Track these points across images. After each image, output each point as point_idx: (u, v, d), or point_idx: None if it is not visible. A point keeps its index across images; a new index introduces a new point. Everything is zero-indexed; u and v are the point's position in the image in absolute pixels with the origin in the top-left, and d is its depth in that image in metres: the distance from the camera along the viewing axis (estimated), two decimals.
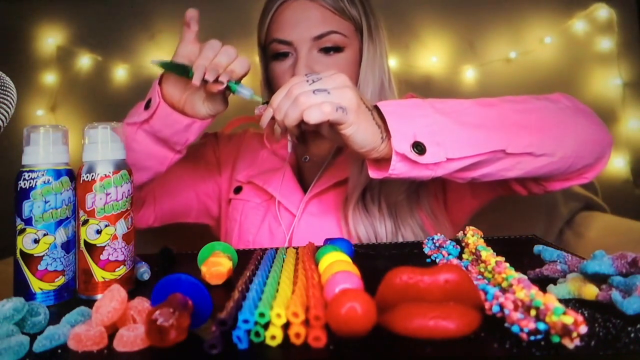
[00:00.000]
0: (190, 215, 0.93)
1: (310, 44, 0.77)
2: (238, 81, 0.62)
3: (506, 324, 0.34)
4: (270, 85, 0.85)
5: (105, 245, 0.49)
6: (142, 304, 0.40)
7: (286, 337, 0.34)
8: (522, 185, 0.73)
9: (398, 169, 0.57)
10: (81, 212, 0.49)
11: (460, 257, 0.55)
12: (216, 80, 0.59)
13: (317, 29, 0.77)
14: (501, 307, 0.35)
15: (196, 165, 0.90)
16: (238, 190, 0.88)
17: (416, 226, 0.77)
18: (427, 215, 0.79)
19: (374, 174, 0.60)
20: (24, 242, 0.47)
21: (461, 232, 0.62)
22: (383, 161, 0.60)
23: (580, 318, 0.31)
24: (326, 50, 0.77)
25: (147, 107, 0.68)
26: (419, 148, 0.56)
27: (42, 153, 0.48)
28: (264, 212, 0.83)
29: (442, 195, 0.83)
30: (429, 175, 0.59)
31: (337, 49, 0.78)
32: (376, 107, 0.59)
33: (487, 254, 0.47)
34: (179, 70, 0.63)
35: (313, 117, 0.53)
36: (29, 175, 0.48)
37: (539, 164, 0.62)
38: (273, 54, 0.80)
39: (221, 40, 0.62)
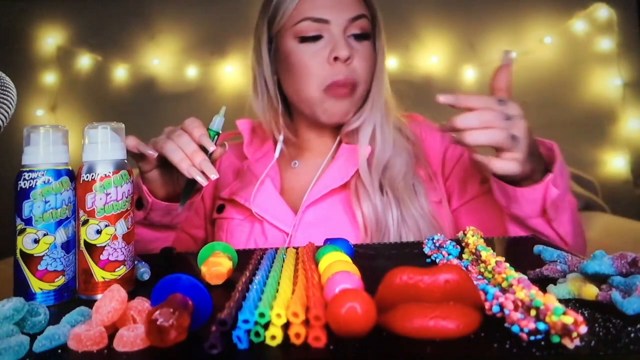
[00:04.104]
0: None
1: (345, 25, 0.76)
2: (211, 130, 0.65)
3: (506, 324, 0.34)
4: (281, 70, 0.81)
5: (105, 245, 0.49)
6: (142, 304, 0.40)
7: (286, 337, 0.34)
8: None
9: (527, 195, 0.62)
10: (81, 212, 0.49)
11: (460, 257, 0.55)
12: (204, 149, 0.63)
13: (352, 10, 0.76)
14: (501, 307, 0.35)
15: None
16: (221, 209, 0.85)
17: (419, 218, 0.76)
18: (428, 217, 0.79)
19: (499, 190, 0.66)
20: (24, 242, 0.47)
21: (461, 232, 0.62)
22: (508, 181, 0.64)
23: (580, 318, 0.31)
24: (356, 37, 0.77)
25: (138, 206, 0.69)
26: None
27: (42, 153, 0.48)
28: (249, 229, 0.80)
29: (450, 204, 0.82)
30: (526, 214, 0.66)
31: (365, 36, 0.78)
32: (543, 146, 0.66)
33: (487, 254, 0.47)
34: (190, 188, 0.67)
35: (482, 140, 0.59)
36: (29, 175, 0.48)
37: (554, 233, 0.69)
38: (302, 36, 0.77)
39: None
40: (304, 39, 0.77)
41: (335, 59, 0.75)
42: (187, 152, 0.61)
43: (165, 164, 0.65)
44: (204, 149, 0.62)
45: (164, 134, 0.65)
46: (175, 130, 0.64)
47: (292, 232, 0.77)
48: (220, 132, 0.66)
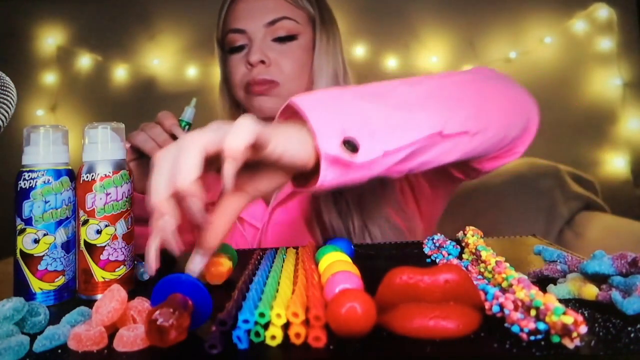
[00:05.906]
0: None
1: (263, 31, 0.79)
2: (182, 120, 0.68)
3: (506, 324, 0.34)
4: (228, 81, 0.86)
5: (105, 245, 0.49)
6: (142, 304, 0.40)
7: (286, 337, 0.34)
8: (461, 171, 0.72)
9: (329, 176, 0.44)
10: (81, 212, 0.49)
11: (460, 257, 0.55)
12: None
13: (269, 15, 0.79)
14: (501, 307, 0.35)
15: None
16: None
17: (383, 221, 0.76)
18: (395, 211, 0.79)
19: (299, 188, 0.49)
20: (24, 242, 0.47)
21: (461, 232, 0.62)
22: (305, 173, 0.47)
23: (580, 318, 0.31)
24: (280, 40, 0.79)
25: None
26: (351, 145, 0.44)
27: (42, 153, 0.48)
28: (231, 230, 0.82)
29: (410, 189, 0.82)
30: (366, 176, 0.48)
31: (291, 38, 0.80)
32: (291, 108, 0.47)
33: (487, 254, 0.47)
34: None
35: (237, 142, 0.38)
36: (29, 175, 0.48)
37: (475, 143, 0.56)
38: (229, 47, 0.82)
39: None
40: (231, 50, 0.82)
41: (250, 64, 0.79)
42: (158, 141, 0.64)
43: (141, 156, 0.68)
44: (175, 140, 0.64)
45: (139, 129, 0.68)
46: (148, 123, 0.68)
47: (261, 227, 0.79)
48: (192, 122, 0.69)
